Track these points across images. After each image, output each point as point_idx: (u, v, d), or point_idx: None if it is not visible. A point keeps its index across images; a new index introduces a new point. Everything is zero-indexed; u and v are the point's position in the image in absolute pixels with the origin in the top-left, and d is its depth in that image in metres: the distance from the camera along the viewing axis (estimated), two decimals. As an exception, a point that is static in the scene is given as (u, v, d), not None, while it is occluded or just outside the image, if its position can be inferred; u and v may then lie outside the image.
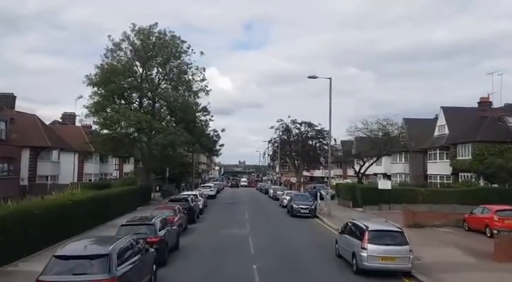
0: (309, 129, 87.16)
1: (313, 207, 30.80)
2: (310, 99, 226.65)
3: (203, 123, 43.45)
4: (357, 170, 41.43)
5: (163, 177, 55.50)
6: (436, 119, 57.96)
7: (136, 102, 41.21)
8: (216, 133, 46.14)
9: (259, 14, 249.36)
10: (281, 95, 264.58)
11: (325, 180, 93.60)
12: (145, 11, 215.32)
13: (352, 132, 40.43)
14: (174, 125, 40.35)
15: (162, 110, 41.94)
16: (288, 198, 38.03)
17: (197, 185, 78.46)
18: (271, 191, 53.95)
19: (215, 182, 71.50)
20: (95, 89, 37.76)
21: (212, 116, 45.24)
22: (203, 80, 42.34)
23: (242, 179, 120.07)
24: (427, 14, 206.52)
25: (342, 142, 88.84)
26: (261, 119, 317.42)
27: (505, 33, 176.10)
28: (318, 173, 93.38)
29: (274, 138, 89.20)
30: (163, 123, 39.58)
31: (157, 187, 54.48)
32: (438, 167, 44.84)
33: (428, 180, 47.29)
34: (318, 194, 33.69)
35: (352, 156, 41.15)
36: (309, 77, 32.26)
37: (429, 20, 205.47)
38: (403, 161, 52.95)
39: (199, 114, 43.78)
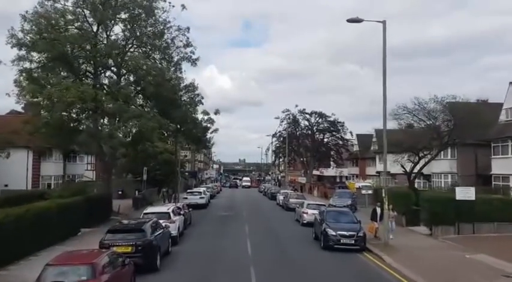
0: (320, 120, 75.06)
1: (361, 234, 18.48)
2: (310, 96, 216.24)
3: (188, 104, 31.03)
4: (408, 170, 29.05)
5: (147, 179, 43.31)
6: (484, 102, 45.96)
7: (91, 75, 28.86)
8: (207, 117, 33.55)
9: (257, 11, 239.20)
10: (281, 92, 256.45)
11: (338, 180, 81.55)
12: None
13: (399, 115, 28.09)
14: (143, 104, 28.12)
15: (131, 87, 29.60)
16: (311, 212, 25.79)
17: (191, 186, 65.95)
18: (281, 197, 41.17)
19: (208, 186, 58.67)
20: (24, 52, 25.57)
21: (202, 98, 32.92)
22: (187, 45, 30.17)
23: (244, 178, 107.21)
24: (425, 10, 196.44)
25: (358, 136, 77.05)
26: (260, 117, 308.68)
27: (503, 28, 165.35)
28: (330, 172, 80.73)
29: (280, 132, 77.03)
30: (130, 103, 27.04)
31: (136, 192, 42.43)
32: (510, 165, 32.54)
33: (493, 183, 35.11)
34: (378, 210, 20.76)
35: (404, 150, 28.35)
36: (349, 21, 20.02)
37: (427, 16, 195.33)
38: (448, 157, 40.52)
39: (182, 93, 31.48)
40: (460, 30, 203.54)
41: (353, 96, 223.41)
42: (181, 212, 23.21)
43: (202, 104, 32.22)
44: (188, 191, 40.72)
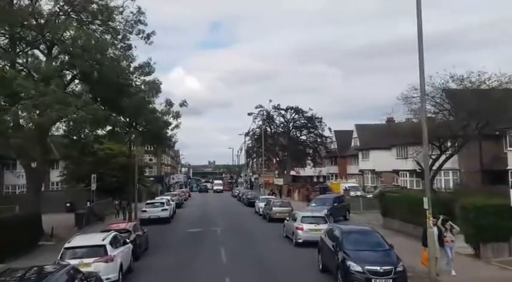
0: (296, 116, 69.08)
1: (400, 267, 12.15)
2: (281, 96, 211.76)
3: (143, 91, 23.97)
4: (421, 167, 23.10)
5: (101, 188, 35.84)
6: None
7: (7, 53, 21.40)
8: (168, 109, 26.15)
9: (225, 12, 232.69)
10: (250, 94, 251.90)
11: (315, 180, 75.67)
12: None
13: (411, 99, 21.87)
14: (81, 92, 21.03)
15: (67, 71, 22.43)
16: (307, 228, 19.44)
17: (156, 193, 58.43)
18: (261, 204, 34.26)
19: (173, 193, 51.11)
20: None
21: (161, 83, 25.70)
22: (138, 13, 23.26)
23: (216, 182, 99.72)
24: (391, 10, 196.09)
25: (336, 133, 71.60)
26: (230, 118, 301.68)
27: (467, 27, 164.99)
28: (307, 171, 74.64)
29: (253, 129, 70.59)
30: (53, 84, 19.60)
31: (88, 203, 34.88)
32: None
33: (510, 180, 29.89)
34: (437, 231, 13.92)
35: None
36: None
37: (393, 15, 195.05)
38: (449, 152, 35.20)
39: (134, 76, 24.40)
40: (426, 28, 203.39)
41: (322, 96, 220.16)
42: (130, 238, 16.23)
43: (161, 91, 25.12)
44: (147, 202, 33.02)
